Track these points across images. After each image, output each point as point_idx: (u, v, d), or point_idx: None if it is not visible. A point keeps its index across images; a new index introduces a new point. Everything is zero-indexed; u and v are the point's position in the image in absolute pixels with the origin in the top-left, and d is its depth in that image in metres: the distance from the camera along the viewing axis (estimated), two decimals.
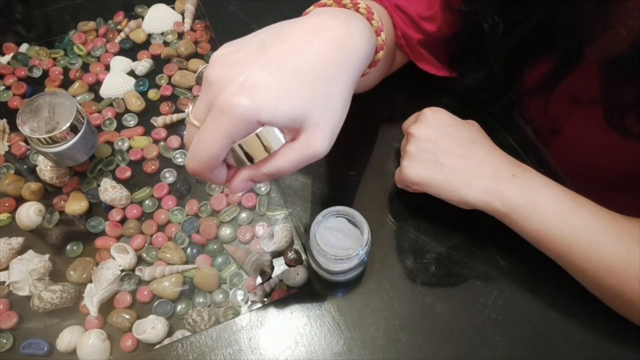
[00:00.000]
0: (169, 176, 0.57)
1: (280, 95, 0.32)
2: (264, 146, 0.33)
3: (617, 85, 0.47)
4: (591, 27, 0.45)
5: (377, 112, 0.60)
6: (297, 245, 0.52)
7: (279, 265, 0.51)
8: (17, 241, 0.52)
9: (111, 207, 0.54)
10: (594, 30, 0.45)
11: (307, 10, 0.41)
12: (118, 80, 0.63)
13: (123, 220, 0.54)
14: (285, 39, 0.34)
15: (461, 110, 0.50)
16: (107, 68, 0.65)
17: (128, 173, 0.57)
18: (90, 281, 0.50)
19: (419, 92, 0.62)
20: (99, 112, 0.62)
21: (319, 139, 0.34)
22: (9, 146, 0.59)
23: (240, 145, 0.33)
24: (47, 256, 0.51)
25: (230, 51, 0.34)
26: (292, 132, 0.34)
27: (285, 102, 0.32)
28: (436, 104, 0.51)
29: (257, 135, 0.33)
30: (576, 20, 0.46)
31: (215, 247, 0.52)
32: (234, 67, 0.33)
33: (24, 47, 0.67)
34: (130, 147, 0.59)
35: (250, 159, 0.34)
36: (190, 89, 0.64)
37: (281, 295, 0.49)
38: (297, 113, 0.33)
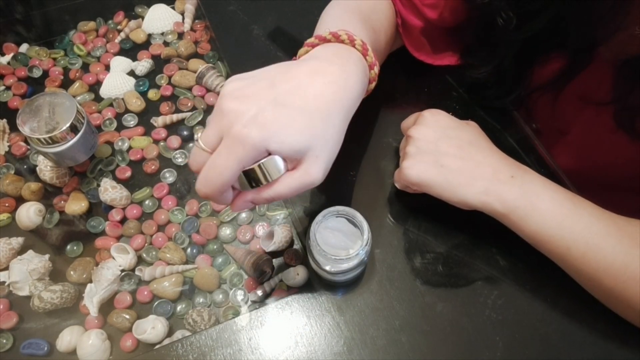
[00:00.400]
0: (169, 176, 0.57)
1: (288, 129, 0.36)
2: (264, 175, 0.37)
3: (630, 86, 0.47)
4: (605, 26, 0.45)
5: (376, 112, 0.60)
6: (297, 245, 0.52)
7: (279, 265, 0.51)
8: (17, 241, 0.52)
9: (111, 207, 0.54)
10: (608, 30, 0.45)
11: (308, 41, 0.44)
12: (118, 80, 0.63)
13: (123, 220, 0.54)
14: (291, 79, 0.38)
15: (464, 108, 0.50)
16: (107, 68, 0.65)
17: (128, 173, 0.57)
18: (90, 281, 0.50)
19: (419, 91, 0.62)
20: (99, 112, 0.62)
21: (317, 169, 0.38)
22: (9, 146, 0.59)
23: (245, 172, 0.37)
24: (47, 256, 0.51)
25: (242, 85, 0.37)
26: (294, 162, 0.38)
27: (291, 136, 0.36)
28: (436, 104, 0.51)
29: (259, 165, 0.37)
30: (590, 18, 0.46)
31: (215, 247, 0.52)
32: (246, 101, 0.36)
33: (24, 47, 0.67)
34: (130, 147, 0.59)
35: (253, 185, 0.38)
36: (190, 89, 0.64)
37: (281, 295, 0.49)
38: (301, 145, 0.37)
